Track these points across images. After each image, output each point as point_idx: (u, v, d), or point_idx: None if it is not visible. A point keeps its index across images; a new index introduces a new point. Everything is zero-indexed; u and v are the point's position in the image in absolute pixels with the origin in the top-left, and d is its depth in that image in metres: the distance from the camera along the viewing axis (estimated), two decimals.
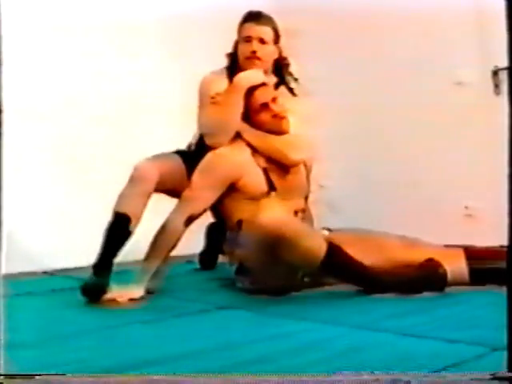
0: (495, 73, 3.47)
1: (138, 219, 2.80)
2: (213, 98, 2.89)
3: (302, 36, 4.11)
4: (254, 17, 2.99)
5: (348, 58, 3.99)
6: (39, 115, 3.55)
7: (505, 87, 3.31)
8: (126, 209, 2.77)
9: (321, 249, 2.50)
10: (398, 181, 3.79)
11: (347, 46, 3.99)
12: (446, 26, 3.54)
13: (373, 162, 3.97)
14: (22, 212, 3.35)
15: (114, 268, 2.76)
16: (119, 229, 2.78)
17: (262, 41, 2.96)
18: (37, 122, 3.54)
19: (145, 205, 2.81)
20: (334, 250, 2.54)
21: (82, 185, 3.48)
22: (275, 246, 2.44)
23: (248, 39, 2.96)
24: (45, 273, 3.48)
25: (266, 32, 2.97)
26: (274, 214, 2.51)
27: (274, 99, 2.85)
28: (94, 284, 2.66)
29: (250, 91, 2.84)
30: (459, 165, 3.57)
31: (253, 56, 2.94)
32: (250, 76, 2.89)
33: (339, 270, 2.56)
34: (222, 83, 2.96)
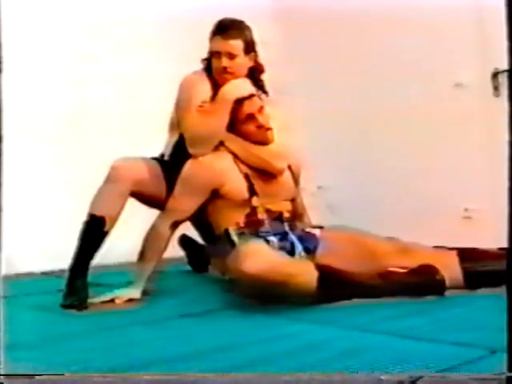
0: (495, 75, 3.47)
1: (114, 219, 2.76)
2: (200, 106, 2.87)
3: (303, 39, 4.14)
4: (221, 30, 2.89)
5: (349, 60, 3.99)
6: (37, 124, 3.59)
7: (504, 89, 3.32)
8: (100, 210, 2.73)
9: (312, 280, 2.47)
10: (397, 182, 3.79)
11: (348, 47, 3.99)
12: (445, 28, 3.54)
13: (371, 164, 3.97)
14: (21, 214, 3.36)
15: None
16: (93, 232, 2.75)
17: (230, 55, 2.87)
18: (35, 128, 3.58)
19: (122, 204, 2.77)
20: (325, 274, 2.51)
21: (81, 187, 3.47)
22: (265, 288, 2.41)
23: (217, 55, 2.89)
24: (44, 274, 3.48)
25: (234, 46, 2.87)
26: (256, 260, 2.42)
27: (260, 110, 2.85)
28: (71, 303, 2.63)
29: (238, 102, 2.84)
30: (458, 167, 3.57)
31: (224, 71, 2.88)
32: (238, 87, 2.88)
33: (335, 291, 2.52)
34: (205, 85, 2.92)
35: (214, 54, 2.91)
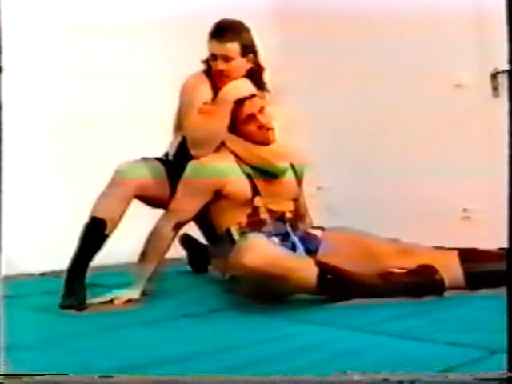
0: (494, 75, 3.48)
1: (116, 223, 2.77)
2: (201, 108, 2.87)
3: (303, 39, 4.14)
4: (217, 33, 2.87)
5: (348, 60, 4.00)
6: (38, 124, 3.61)
7: (504, 90, 3.32)
8: (102, 213, 2.74)
9: (312, 275, 2.47)
10: (397, 183, 3.80)
11: (347, 48, 3.99)
12: (445, 28, 3.55)
13: (371, 165, 3.98)
14: (21, 214, 3.36)
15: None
16: (94, 234, 2.75)
17: (226, 58, 2.86)
18: (36, 129, 3.61)
19: (124, 208, 2.78)
20: (325, 270, 2.51)
21: (81, 188, 3.49)
22: (265, 283, 2.42)
23: (213, 58, 2.89)
24: (43, 274, 3.48)
25: (229, 49, 2.85)
26: (258, 253, 2.42)
27: (261, 110, 2.85)
28: (70, 304, 2.63)
29: (238, 102, 2.84)
30: (457, 167, 3.58)
31: (220, 74, 2.89)
32: (238, 88, 2.88)
33: (335, 288, 2.52)
34: (206, 86, 2.92)
35: (211, 57, 2.92)
